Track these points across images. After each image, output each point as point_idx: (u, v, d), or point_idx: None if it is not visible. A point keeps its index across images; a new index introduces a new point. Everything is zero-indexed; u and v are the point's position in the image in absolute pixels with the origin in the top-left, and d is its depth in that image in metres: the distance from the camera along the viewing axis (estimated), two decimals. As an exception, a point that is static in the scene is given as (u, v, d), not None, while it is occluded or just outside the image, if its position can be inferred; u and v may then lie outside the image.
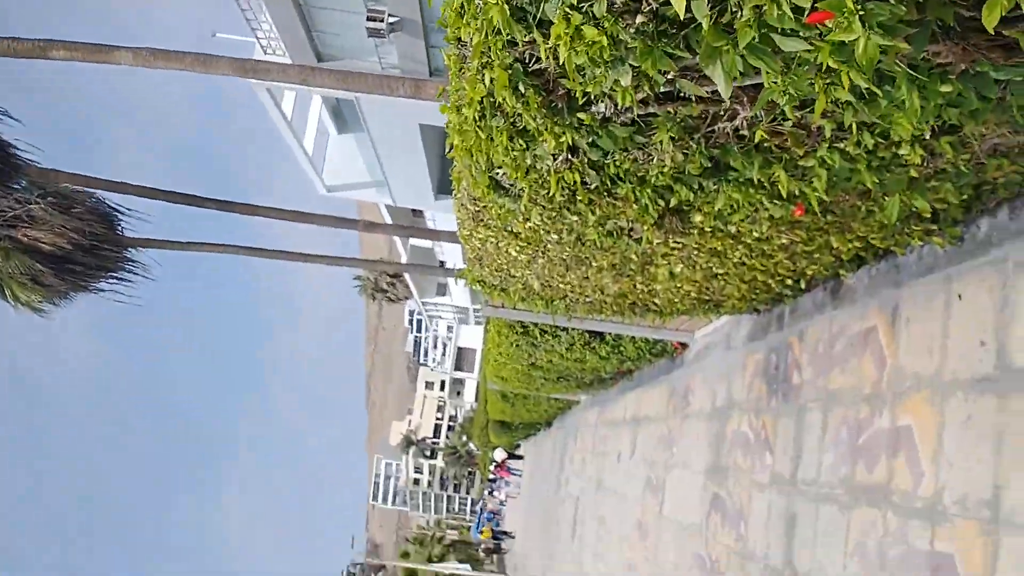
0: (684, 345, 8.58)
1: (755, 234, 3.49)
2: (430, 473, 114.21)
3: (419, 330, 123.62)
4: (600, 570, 11.79)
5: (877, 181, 2.70)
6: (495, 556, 43.10)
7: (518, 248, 4.26)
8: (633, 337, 8.58)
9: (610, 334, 8.58)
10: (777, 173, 2.62)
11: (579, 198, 3.05)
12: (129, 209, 18.10)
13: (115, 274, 18.50)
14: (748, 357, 6.46)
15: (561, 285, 4.94)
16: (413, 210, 35.22)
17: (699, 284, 4.62)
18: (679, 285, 4.58)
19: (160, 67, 12.35)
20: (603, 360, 9.00)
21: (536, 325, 8.57)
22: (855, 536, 4.24)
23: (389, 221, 29.39)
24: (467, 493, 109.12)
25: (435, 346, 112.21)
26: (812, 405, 5.03)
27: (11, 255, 16.39)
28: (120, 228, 17.92)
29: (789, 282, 4.78)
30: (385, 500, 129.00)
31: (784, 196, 2.81)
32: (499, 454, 43.05)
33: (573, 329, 8.50)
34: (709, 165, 2.65)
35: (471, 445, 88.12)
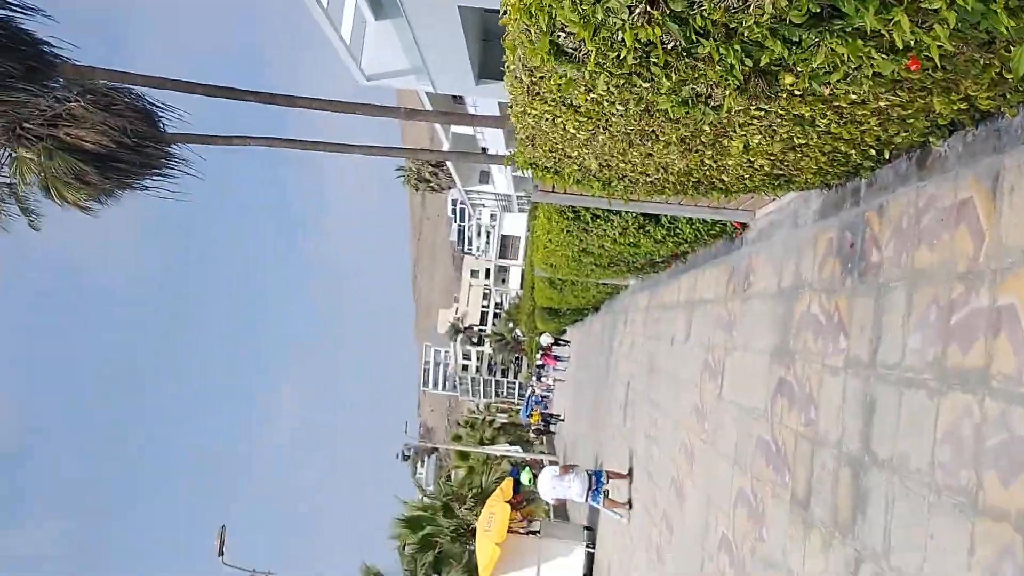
0: (744, 225, 8.20)
1: (852, 96, 3.08)
2: (478, 359, 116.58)
3: (462, 219, 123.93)
4: (654, 453, 11.79)
5: (1013, 25, 2.29)
6: (544, 438, 43.99)
7: (577, 124, 3.89)
8: (690, 219, 8.20)
9: (666, 216, 8.21)
10: (897, 18, 2.23)
11: (653, 60, 2.68)
12: (168, 105, 17.94)
13: (159, 171, 18.51)
14: (819, 235, 6.09)
15: (621, 164, 4.58)
16: (454, 97, 34.43)
17: (775, 157, 4.23)
18: (753, 159, 4.20)
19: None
20: (658, 244, 8.67)
21: (587, 210, 8.23)
22: (945, 424, 3.97)
23: (429, 108, 28.77)
24: (515, 378, 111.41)
25: (479, 234, 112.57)
26: (895, 284, 4.69)
27: (54, 154, 16.33)
28: (161, 124, 17.80)
29: (872, 152, 4.36)
30: (436, 386, 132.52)
31: (899, 47, 2.42)
32: (546, 339, 43.41)
33: (627, 212, 8.15)
34: (817, 11, 2.26)
35: (518, 331, 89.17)
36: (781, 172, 4.71)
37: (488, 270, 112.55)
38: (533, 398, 43.27)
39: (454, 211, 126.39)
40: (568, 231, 8.57)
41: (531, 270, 21.19)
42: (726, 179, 4.76)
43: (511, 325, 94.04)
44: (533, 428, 39.99)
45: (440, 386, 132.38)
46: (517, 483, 19.30)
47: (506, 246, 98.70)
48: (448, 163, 57.77)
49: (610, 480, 13.66)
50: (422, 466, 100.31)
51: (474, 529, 20.61)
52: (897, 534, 4.27)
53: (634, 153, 4.22)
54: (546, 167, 5.07)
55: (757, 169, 4.51)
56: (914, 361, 4.34)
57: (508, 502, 16.89)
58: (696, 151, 4.03)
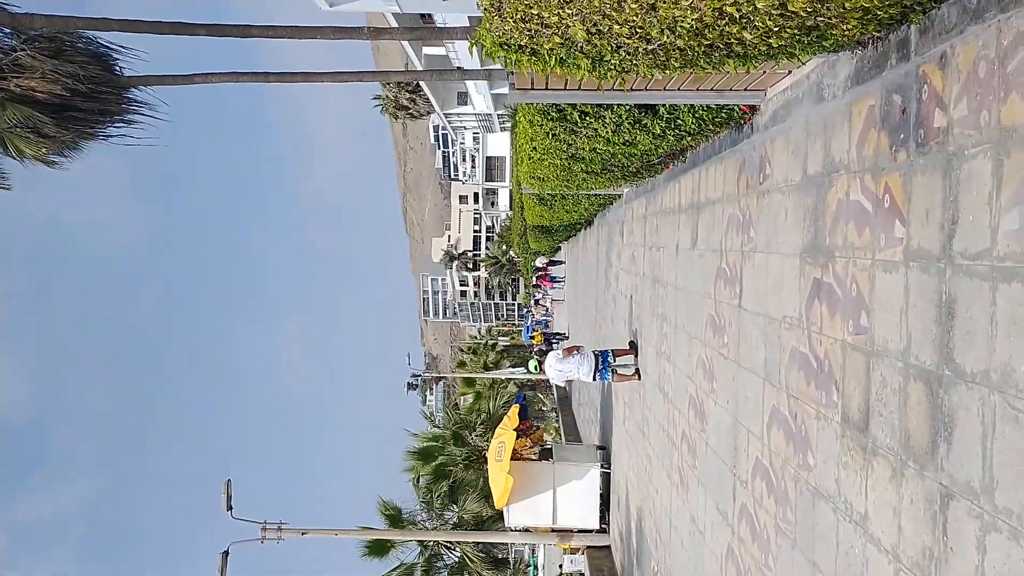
0: (754, 109, 7.14)
1: None
2: (475, 284, 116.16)
3: (446, 145, 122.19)
4: (668, 371, 10.95)
5: None
6: (549, 357, 43.44)
7: (553, -30, 2.85)
8: (692, 106, 7.13)
9: (664, 107, 7.13)
10: None
11: None
12: (124, 47, 16.84)
13: (120, 117, 17.47)
14: (854, 105, 5.04)
15: (615, 27, 3.53)
16: (422, 16, 32.74)
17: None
18: (790, -3, 3.15)
19: None
20: (657, 139, 7.60)
21: (575, 107, 7.15)
22: (1068, 323, 3.03)
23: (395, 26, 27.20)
24: (513, 299, 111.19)
25: (464, 159, 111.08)
26: (973, 152, 3.69)
27: (6, 106, 15.30)
28: (117, 68, 16.72)
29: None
30: (436, 314, 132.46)
31: None
32: (540, 261, 42.47)
33: (619, 106, 7.07)
34: None
35: (511, 253, 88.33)
36: (817, 23, 3.66)
37: (476, 194, 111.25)
38: (532, 321, 42.72)
39: (437, 138, 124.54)
40: (554, 135, 7.51)
41: (518, 188, 20.10)
42: (747, 37, 3.70)
43: (504, 247, 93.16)
44: (536, 349, 39.49)
45: (440, 314, 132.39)
46: (524, 409, 18.62)
47: (492, 168, 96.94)
48: (424, 86, 55.93)
49: (616, 358, 13.47)
50: (431, 395, 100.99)
51: (486, 455, 20.16)
52: (1003, 467, 3.37)
53: (631, 5, 3.19)
54: (520, 47, 4.00)
55: (790, 17, 3.47)
56: (1011, 246, 3.38)
57: (516, 429, 16.20)
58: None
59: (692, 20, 3.35)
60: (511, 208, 70.03)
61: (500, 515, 17.80)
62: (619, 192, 15.65)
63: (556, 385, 15.09)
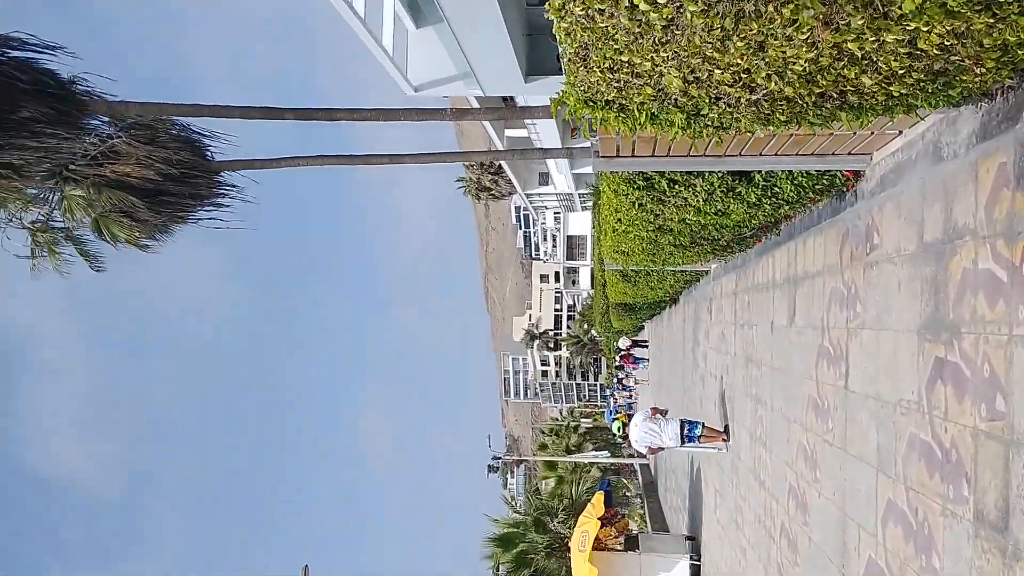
0: (858, 175, 6.65)
1: None
2: (556, 364, 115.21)
3: (527, 225, 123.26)
4: (763, 457, 10.24)
5: None
6: (633, 441, 42.19)
7: (648, 4, 2.52)
8: (790, 172, 6.68)
9: (759, 173, 6.71)
10: None
11: None
12: (214, 132, 17.35)
13: (210, 200, 17.89)
14: (981, 164, 4.54)
15: (716, 72, 3.17)
16: (504, 98, 33.24)
17: (961, 24, 2.77)
18: (926, 29, 2.74)
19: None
20: (752, 208, 7.15)
21: (663, 175, 6.79)
22: None
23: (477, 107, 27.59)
24: (595, 380, 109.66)
25: (545, 239, 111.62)
26: None
27: (102, 191, 15.81)
28: (208, 153, 17.21)
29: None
30: (517, 395, 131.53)
31: None
32: (623, 342, 41.64)
33: (711, 174, 6.68)
34: None
35: (593, 332, 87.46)
36: (948, 64, 3.23)
37: (557, 273, 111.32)
38: (616, 405, 41.79)
39: (518, 218, 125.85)
40: (640, 204, 7.13)
41: (600, 265, 19.74)
42: (866, 82, 3.29)
43: (586, 326, 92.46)
44: (622, 435, 38.41)
45: (521, 395, 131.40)
46: (608, 495, 17.87)
47: (573, 246, 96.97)
48: (506, 167, 56.65)
49: (705, 435, 12.94)
50: (512, 478, 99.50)
51: (568, 543, 19.41)
52: None
53: (735, 46, 2.83)
54: (607, 102, 3.68)
55: (918, 57, 3.05)
56: None
57: (600, 518, 15.48)
58: (840, 26, 2.60)
59: (806, 61, 2.96)
60: (592, 287, 69.67)
61: (583, 607, 16.92)
62: (706, 268, 15.12)
63: (640, 465, 14.51)
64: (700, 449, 13.59)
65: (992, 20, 2.76)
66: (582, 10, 2.71)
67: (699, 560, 15.70)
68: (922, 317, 5.29)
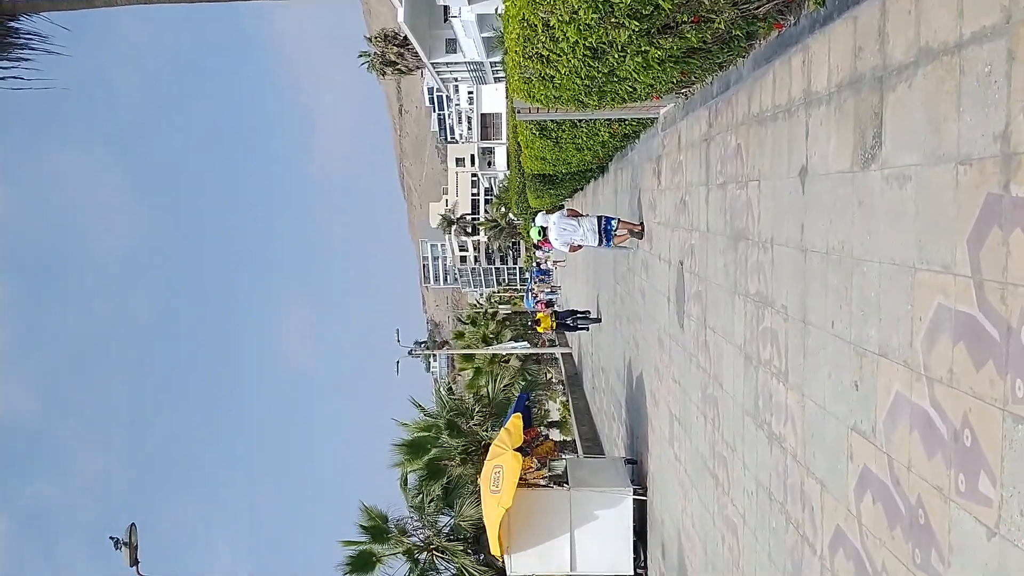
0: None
1: None
2: (475, 249, 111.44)
3: (441, 107, 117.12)
4: (776, 392, 6.53)
5: None
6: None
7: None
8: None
9: None
10: None
11: None
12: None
13: (3, 53, 13.48)
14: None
15: None
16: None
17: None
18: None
19: None
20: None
21: None
22: None
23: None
24: (514, 263, 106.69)
25: (460, 121, 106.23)
26: None
27: None
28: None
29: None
30: (436, 280, 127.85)
31: None
32: (540, 219, 37.87)
33: None
34: None
35: (511, 215, 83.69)
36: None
37: (473, 156, 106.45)
38: (534, 298, 38.62)
39: (431, 100, 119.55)
40: None
41: (514, 115, 15.40)
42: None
43: (503, 209, 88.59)
44: (547, 337, 34.93)
45: (441, 281, 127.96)
46: (527, 413, 14.30)
47: (487, 125, 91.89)
48: (409, 34, 50.97)
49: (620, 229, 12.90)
50: (435, 361, 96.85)
51: (487, 445, 16.20)
52: None
53: None
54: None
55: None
56: None
57: (518, 448, 11.88)
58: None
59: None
60: (508, 167, 65.29)
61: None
62: (653, 115, 10.99)
63: (563, 354, 12.26)
64: (618, 250, 13.98)
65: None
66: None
67: (645, 494, 12.33)
68: None
